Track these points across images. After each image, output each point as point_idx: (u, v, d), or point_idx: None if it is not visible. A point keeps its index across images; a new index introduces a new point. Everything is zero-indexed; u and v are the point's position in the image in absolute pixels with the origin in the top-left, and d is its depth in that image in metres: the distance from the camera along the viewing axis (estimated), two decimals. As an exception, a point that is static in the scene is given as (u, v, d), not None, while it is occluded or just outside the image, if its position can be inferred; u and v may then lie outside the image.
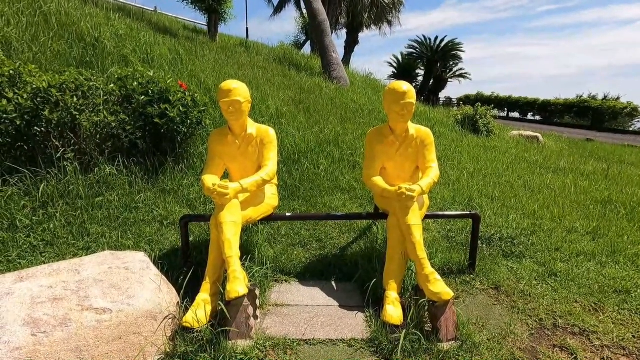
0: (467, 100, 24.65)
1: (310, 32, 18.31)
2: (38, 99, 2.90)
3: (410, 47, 28.62)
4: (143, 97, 3.34)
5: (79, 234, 2.69)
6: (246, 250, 2.54)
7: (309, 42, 20.27)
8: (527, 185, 4.60)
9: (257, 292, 2.12)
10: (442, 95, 29.38)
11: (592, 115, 20.00)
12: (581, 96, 21.87)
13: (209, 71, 5.75)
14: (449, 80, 28.44)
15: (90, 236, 2.70)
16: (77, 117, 3.00)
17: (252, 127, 2.42)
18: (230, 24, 16.50)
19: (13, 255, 2.41)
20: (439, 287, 2.04)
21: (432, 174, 2.41)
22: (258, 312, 2.12)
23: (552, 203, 3.98)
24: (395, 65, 28.97)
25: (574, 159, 6.57)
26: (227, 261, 1.97)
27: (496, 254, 2.95)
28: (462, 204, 3.79)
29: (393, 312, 2.07)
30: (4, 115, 2.77)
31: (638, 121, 19.45)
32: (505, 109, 26.26)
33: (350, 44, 20.32)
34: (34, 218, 2.69)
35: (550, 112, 22.88)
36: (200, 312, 1.96)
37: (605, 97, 20.96)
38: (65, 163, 2.98)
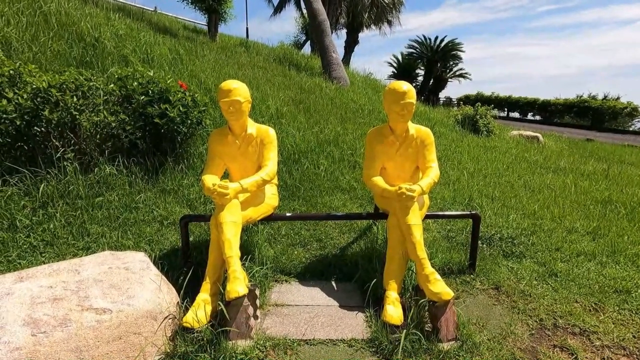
0: (467, 100, 24.66)
1: (310, 32, 18.32)
2: (38, 99, 2.90)
3: (410, 47, 28.68)
4: (143, 97, 3.34)
5: (79, 234, 2.69)
6: (246, 250, 2.54)
7: (309, 42, 20.29)
8: (527, 185, 4.60)
9: (257, 292, 2.12)
10: (442, 95, 29.44)
11: (592, 115, 20.01)
12: (581, 96, 21.87)
13: (209, 71, 5.75)
14: (449, 80, 28.46)
15: (90, 236, 2.70)
16: (77, 117, 3.00)
17: (252, 127, 2.42)
18: (230, 24, 16.52)
19: (13, 256, 2.41)
20: (439, 287, 2.04)
21: (432, 174, 2.41)
22: (258, 312, 2.12)
23: (552, 203, 3.98)
24: (395, 65, 29.00)
25: (574, 159, 6.56)
26: (227, 261, 1.97)
27: (496, 254, 2.95)
28: (462, 204, 3.79)
29: (393, 312, 2.07)
30: (4, 115, 2.77)
31: (638, 121, 19.47)
32: (505, 109, 26.27)
33: (350, 44, 20.32)
34: (33, 218, 2.69)
35: (550, 112, 22.88)
36: (200, 312, 1.96)
37: (605, 97, 20.96)
38: (65, 163, 2.97)
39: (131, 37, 5.53)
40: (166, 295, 1.94)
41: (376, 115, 6.48)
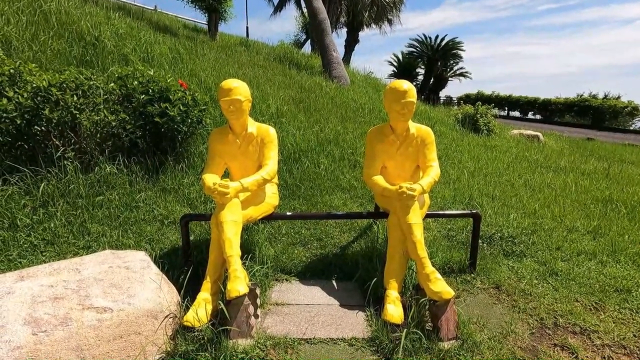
0: (467, 99, 24.65)
1: (310, 31, 18.30)
2: (38, 98, 2.90)
3: (410, 46, 28.63)
4: (143, 96, 3.34)
5: (79, 233, 2.69)
6: (247, 249, 2.54)
7: (309, 41, 20.26)
8: (527, 184, 4.59)
9: (258, 291, 2.12)
10: (443, 94, 29.38)
11: (593, 115, 19.98)
12: (582, 95, 21.86)
13: (209, 70, 5.75)
14: (450, 79, 28.42)
15: (90, 235, 2.70)
16: (77, 116, 3.00)
17: (253, 126, 2.42)
18: (230, 23, 16.55)
19: (14, 255, 2.42)
20: (439, 286, 2.03)
21: (433, 173, 2.41)
22: (259, 311, 2.12)
23: (552, 202, 3.98)
24: (395, 64, 28.96)
25: (574, 158, 6.56)
26: (228, 260, 1.97)
27: (497, 253, 2.95)
28: (463, 203, 3.79)
29: (394, 311, 2.07)
30: (4, 114, 2.77)
31: (639, 120, 19.45)
32: (506, 108, 26.24)
33: (351, 43, 20.29)
34: (34, 217, 2.69)
35: (551, 111, 22.85)
36: (201, 311, 1.96)
37: (605, 96, 20.94)
38: (65, 162, 2.98)
39: (131, 36, 5.52)
40: (167, 295, 1.94)
41: (376, 114, 6.47)
